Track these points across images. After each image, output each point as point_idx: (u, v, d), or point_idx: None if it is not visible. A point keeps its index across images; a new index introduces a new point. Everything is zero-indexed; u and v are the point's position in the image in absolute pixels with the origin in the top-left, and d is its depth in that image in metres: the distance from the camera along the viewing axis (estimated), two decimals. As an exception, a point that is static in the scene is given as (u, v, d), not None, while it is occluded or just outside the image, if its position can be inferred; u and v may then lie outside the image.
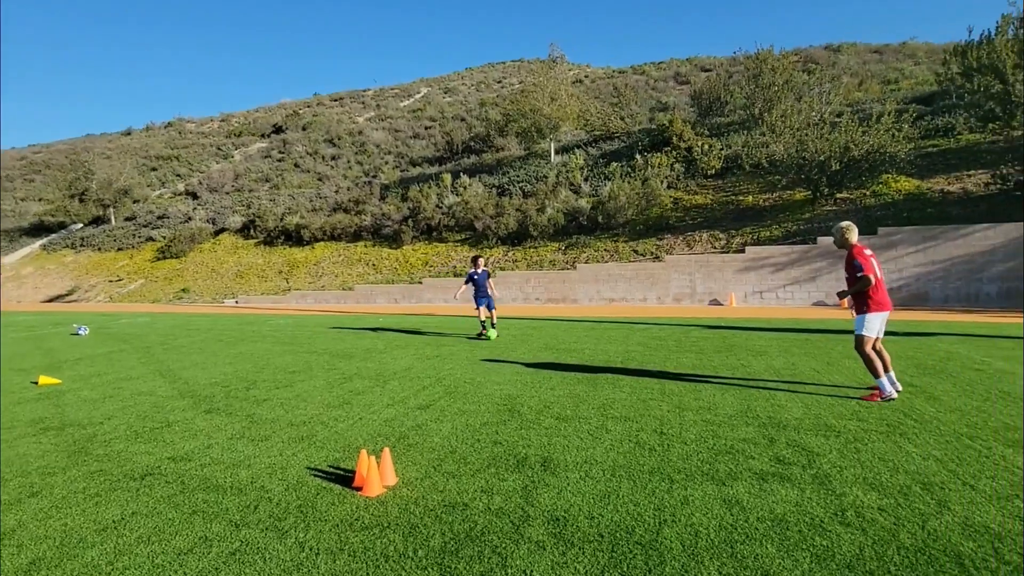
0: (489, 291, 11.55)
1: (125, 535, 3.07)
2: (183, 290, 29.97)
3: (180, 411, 5.80)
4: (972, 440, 4.23)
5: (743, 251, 19.46)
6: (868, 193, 20.66)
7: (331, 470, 3.94)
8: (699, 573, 2.48)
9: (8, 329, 16.35)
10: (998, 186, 18.76)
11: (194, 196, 43.91)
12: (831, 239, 18.32)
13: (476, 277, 11.54)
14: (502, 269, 23.58)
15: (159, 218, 39.83)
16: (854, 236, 5.95)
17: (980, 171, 20.12)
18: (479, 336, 11.36)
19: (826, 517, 3.00)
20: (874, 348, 5.54)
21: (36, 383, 7.58)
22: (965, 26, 76.84)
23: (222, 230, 35.74)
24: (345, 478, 3.77)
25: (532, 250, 24.36)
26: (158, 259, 34.53)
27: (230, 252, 33.05)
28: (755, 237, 20.30)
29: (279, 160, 47.53)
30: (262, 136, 56.20)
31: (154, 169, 51.14)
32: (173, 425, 5.27)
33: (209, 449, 4.50)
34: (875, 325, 5.56)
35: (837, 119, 22.79)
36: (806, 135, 20.21)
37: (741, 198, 23.04)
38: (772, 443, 4.25)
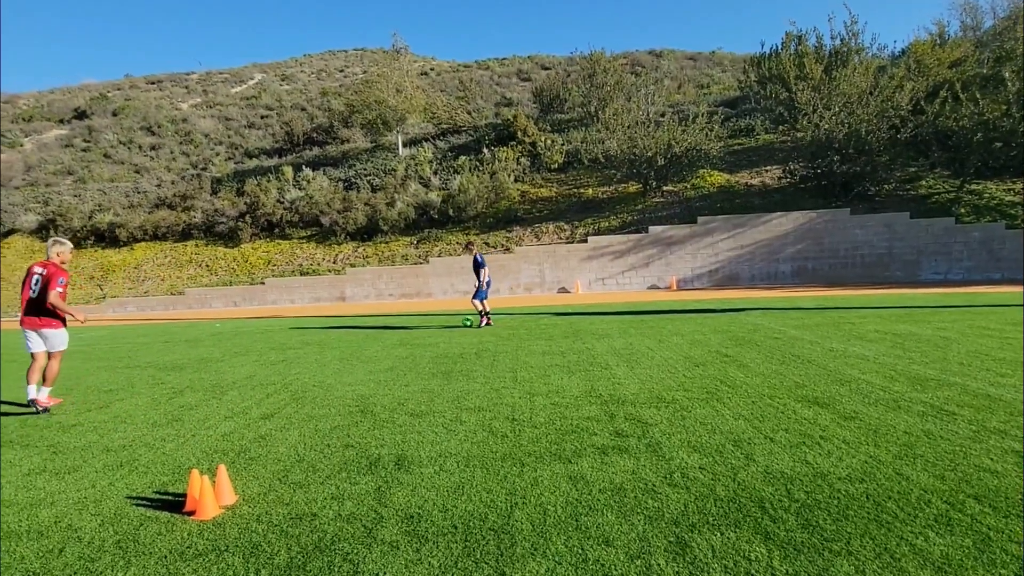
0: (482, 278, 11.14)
1: None
2: (-42, 304, 24.99)
3: (-44, 450, 4.84)
4: (772, 399, 4.92)
5: (586, 241, 20.73)
6: (689, 186, 23.04)
7: (157, 496, 3.53)
8: (547, 549, 2.61)
9: None
10: (788, 180, 21.94)
11: (-31, 192, 36.69)
12: (662, 228, 20.21)
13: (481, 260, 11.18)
14: (352, 266, 22.79)
15: (-81, 218, 32.72)
16: (53, 250, 6.02)
17: (774, 166, 23.37)
18: (486, 324, 11.11)
19: (657, 481, 3.31)
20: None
21: None
22: (759, 40, 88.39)
23: (12, 231, 30.34)
24: (175, 503, 3.40)
25: (383, 245, 23.84)
26: (-80, 268, 28.41)
27: (24, 257, 28.19)
28: (596, 227, 21.71)
29: (84, 150, 41.33)
30: (60, 122, 48.29)
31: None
32: (-54, 467, 4.38)
33: (-3, 491, 3.81)
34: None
35: (661, 119, 25.12)
36: (636, 133, 22.00)
37: (582, 191, 24.48)
38: (612, 418, 4.59)
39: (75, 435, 5.05)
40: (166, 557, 2.76)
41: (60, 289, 5.90)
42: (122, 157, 39.52)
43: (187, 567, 2.65)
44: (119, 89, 56.55)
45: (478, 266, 11.15)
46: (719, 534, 2.65)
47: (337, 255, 23.95)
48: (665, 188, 23.05)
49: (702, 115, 22.60)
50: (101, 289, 25.01)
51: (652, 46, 55.27)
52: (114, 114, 47.08)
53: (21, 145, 44.12)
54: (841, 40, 24.39)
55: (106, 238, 28.05)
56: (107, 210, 29.59)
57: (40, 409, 5.95)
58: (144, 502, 3.46)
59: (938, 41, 25.37)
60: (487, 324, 11.14)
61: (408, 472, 3.68)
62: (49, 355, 6.14)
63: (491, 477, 3.52)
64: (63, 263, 6.13)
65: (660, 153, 21.48)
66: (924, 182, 21.15)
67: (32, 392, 5.97)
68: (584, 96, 30.45)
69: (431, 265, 21.35)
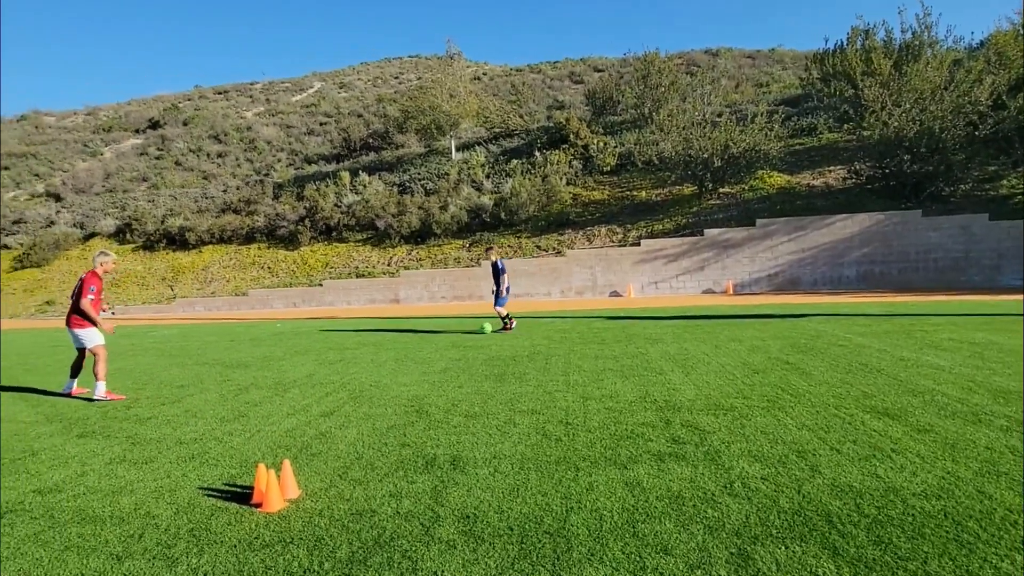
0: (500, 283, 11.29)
1: (-18, 582, 2.72)
2: (47, 303, 26.96)
3: (47, 437, 5.22)
4: (838, 409, 4.72)
5: (639, 244, 20.44)
6: (747, 188, 22.38)
7: (226, 488, 3.71)
8: (604, 555, 2.59)
9: None
10: (853, 180, 20.98)
11: (57, 198, 39.52)
12: (718, 230, 19.71)
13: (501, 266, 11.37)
14: (406, 268, 23.23)
15: (14, 223, 35.45)
16: (97, 260, 6.83)
17: (838, 167, 22.40)
18: (505, 328, 11.30)
19: (717, 490, 3.23)
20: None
21: None
22: (823, 36, 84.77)
23: (93, 235, 32.51)
24: (242, 496, 3.56)
25: (436, 248, 24.21)
26: (15, 269, 30.84)
27: (103, 259, 30.09)
28: (649, 230, 21.37)
29: (157, 158, 43.84)
30: (136, 131, 51.47)
31: (6, 168, 45.42)
32: (39, 453, 4.73)
33: (83, 477, 4.08)
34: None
35: (718, 119, 24.49)
36: (691, 134, 21.54)
37: (635, 193, 24.16)
38: (668, 425, 4.50)
39: (151, 427, 5.35)
40: (236, 546, 2.89)
41: (92, 296, 6.62)
42: (192, 164, 41.68)
43: (255, 557, 2.77)
44: (189, 100, 59.71)
45: (498, 272, 11.21)
46: (784, 547, 2.56)
47: (391, 258, 24.49)
48: (722, 190, 22.46)
49: (761, 114, 21.91)
50: (172, 290, 26.41)
51: (708, 45, 54.06)
52: (184, 124, 49.72)
53: (101, 154, 47.22)
54: (912, 33, 23.17)
55: (176, 241, 29.62)
56: (178, 215, 31.27)
57: (68, 394, 7.01)
58: (215, 493, 3.64)
59: (1021, 32, 23.71)
60: (509, 327, 11.26)
61: (463, 473, 3.72)
62: (93, 352, 6.79)
63: (546, 480, 3.52)
64: (105, 272, 6.95)
65: (716, 154, 20.94)
66: (1006, 181, 19.80)
67: (71, 386, 7.05)
68: (638, 98, 30.05)
69: (483, 268, 21.52)
